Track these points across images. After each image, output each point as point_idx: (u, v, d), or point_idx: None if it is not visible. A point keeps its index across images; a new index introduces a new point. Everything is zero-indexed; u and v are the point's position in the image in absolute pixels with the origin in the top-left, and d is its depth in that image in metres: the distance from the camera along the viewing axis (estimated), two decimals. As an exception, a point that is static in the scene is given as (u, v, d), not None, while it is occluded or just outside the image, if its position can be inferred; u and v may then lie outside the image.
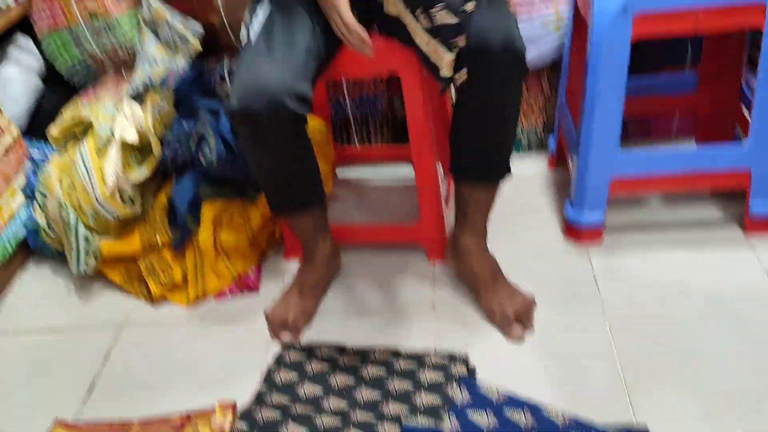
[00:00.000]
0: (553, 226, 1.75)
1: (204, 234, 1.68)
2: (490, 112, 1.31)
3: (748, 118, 1.65)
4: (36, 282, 1.83)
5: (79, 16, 1.92)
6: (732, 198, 1.69)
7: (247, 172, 1.65)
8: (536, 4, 1.82)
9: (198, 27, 1.85)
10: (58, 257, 1.83)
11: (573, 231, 1.68)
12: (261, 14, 1.36)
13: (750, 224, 1.60)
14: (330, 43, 1.38)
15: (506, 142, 1.39)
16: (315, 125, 1.79)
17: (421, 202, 1.61)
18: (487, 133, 1.35)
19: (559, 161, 1.95)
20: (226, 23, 1.89)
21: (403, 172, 2.02)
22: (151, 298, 1.69)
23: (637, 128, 2.00)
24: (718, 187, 1.69)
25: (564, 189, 1.86)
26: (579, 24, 1.69)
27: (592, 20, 1.46)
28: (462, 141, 1.39)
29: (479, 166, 1.41)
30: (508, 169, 1.43)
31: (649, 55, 1.89)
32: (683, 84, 1.84)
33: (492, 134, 1.36)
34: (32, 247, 1.85)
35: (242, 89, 1.24)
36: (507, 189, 1.78)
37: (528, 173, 1.95)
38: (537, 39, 1.84)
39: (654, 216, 1.72)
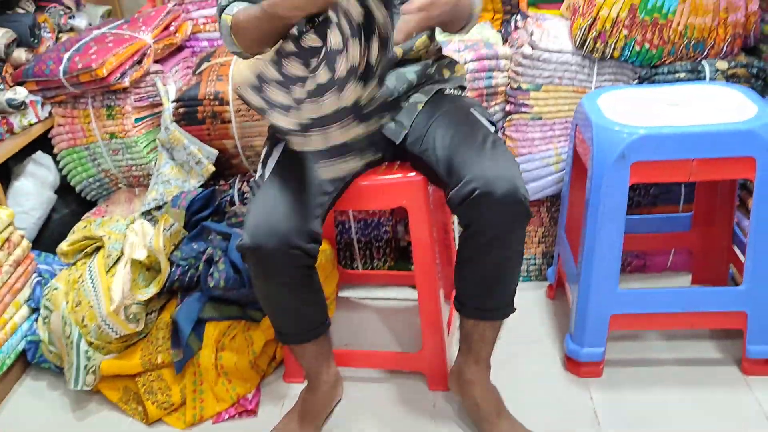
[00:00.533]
0: (552, 357, 1.76)
1: (206, 354, 1.68)
2: (494, 255, 1.36)
3: (742, 259, 1.71)
4: (31, 396, 1.81)
5: (98, 136, 2.00)
6: (730, 336, 1.72)
7: (252, 296, 1.68)
8: (536, 143, 1.91)
9: (212, 151, 1.92)
10: (56, 372, 1.82)
11: (573, 364, 1.69)
12: (276, 153, 1.43)
13: (748, 366, 1.62)
14: (340, 181, 1.44)
15: (510, 283, 1.43)
16: (322, 249, 1.83)
17: (424, 331, 1.63)
18: (490, 274, 1.40)
19: (558, 291, 1.99)
20: (239, 147, 1.97)
21: (405, 293, 2.05)
22: (147, 419, 1.67)
23: (634, 261, 2.05)
24: (716, 326, 1.72)
25: (563, 320, 1.89)
26: (578, 162, 1.77)
27: (591, 166, 1.54)
28: (466, 280, 1.43)
29: (483, 306, 1.44)
30: (512, 308, 1.46)
31: (644, 194, 1.97)
32: (677, 223, 1.91)
33: (496, 276, 1.40)
34: (30, 361, 1.84)
35: (255, 227, 1.28)
36: (507, 319, 1.80)
37: (527, 303, 1.97)
38: (537, 176, 1.92)
39: (653, 352, 1.74)
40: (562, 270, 1.89)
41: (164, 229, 1.73)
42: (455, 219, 1.92)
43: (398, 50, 1.46)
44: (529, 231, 2.05)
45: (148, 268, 1.75)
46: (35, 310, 1.84)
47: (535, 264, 2.08)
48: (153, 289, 1.69)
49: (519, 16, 2.05)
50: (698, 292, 1.62)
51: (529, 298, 2.00)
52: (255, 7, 1.35)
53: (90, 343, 1.69)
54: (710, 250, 1.88)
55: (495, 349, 1.53)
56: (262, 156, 1.47)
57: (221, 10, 1.43)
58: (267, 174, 1.39)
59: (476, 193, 1.28)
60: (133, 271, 1.69)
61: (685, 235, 1.92)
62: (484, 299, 1.44)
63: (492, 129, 1.47)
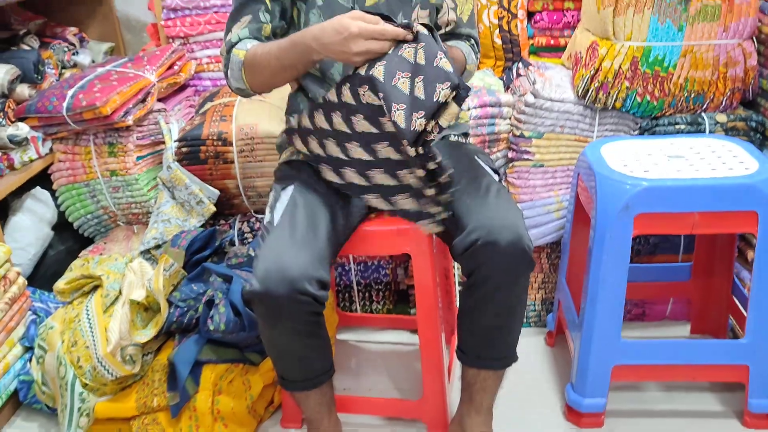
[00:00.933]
0: (553, 406, 1.75)
1: (202, 398, 1.65)
2: (497, 304, 1.36)
3: (743, 311, 1.71)
4: (21, 438, 1.77)
5: (98, 173, 1.99)
6: (731, 389, 1.72)
7: (251, 339, 1.67)
8: (538, 190, 1.92)
9: (214, 191, 1.92)
10: (48, 413, 1.79)
11: (574, 414, 1.68)
12: (284, 197, 1.42)
13: (749, 419, 1.61)
14: (347, 226, 1.44)
15: (513, 332, 1.43)
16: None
17: (425, 379, 1.61)
18: (493, 324, 1.39)
19: (558, 338, 1.98)
20: (241, 187, 1.96)
21: (404, 337, 2.03)
22: (141, 464, 1.64)
23: (633, 309, 2.05)
24: (718, 380, 1.72)
25: (563, 367, 1.88)
26: (580, 210, 1.78)
27: (595, 216, 1.55)
28: (469, 329, 1.43)
29: (485, 355, 1.44)
30: (515, 357, 1.46)
31: (644, 243, 1.98)
32: (677, 273, 1.92)
33: (498, 326, 1.40)
34: (22, 401, 1.80)
35: (265, 272, 1.27)
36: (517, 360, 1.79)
37: (526, 349, 1.96)
38: (538, 223, 1.93)
39: (654, 404, 1.73)
40: (562, 317, 1.89)
41: (164, 270, 1.71)
42: (456, 264, 1.91)
43: None
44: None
45: (146, 308, 1.73)
46: (29, 348, 1.81)
47: (535, 310, 2.07)
48: (151, 331, 1.67)
49: (521, 64, 2.08)
50: (700, 345, 1.62)
51: (529, 344, 1.99)
52: (275, 42, 1.39)
53: (85, 385, 1.66)
54: (709, 301, 1.89)
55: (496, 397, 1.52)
56: (270, 200, 1.47)
57: (231, 46, 1.45)
58: (276, 219, 1.38)
59: (480, 242, 1.28)
60: (131, 312, 1.67)
61: (684, 284, 1.92)
62: (486, 348, 1.43)
63: (495, 177, 1.48)
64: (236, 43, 1.44)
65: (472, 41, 1.61)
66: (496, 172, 1.52)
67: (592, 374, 1.62)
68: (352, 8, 1.42)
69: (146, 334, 1.66)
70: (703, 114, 1.86)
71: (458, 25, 1.57)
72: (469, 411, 1.51)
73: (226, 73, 1.47)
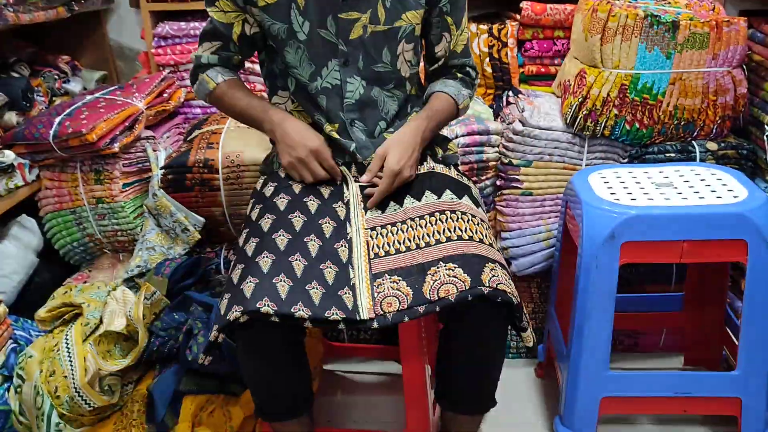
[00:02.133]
0: (541, 440, 1.71)
1: (182, 430, 1.62)
2: (474, 353, 1.32)
3: (735, 341, 1.67)
4: (-3, 470, 1.73)
5: (84, 200, 1.98)
6: (724, 422, 1.67)
7: (231, 369, 1.63)
8: (527, 219, 1.90)
9: (199, 219, 1.90)
10: (25, 444, 1.75)
11: (562, 448, 1.63)
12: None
13: (743, 455, 1.57)
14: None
15: (490, 381, 1.39)
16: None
17: (408, 410, 1.57)
18: (470, 371, 1.36)
19: (547, 369, 1.94)
20: (227, 215, 1.95)
21: (390, 367, 2.00)
22: (117, 498, 1.60)
23: (626, 340, 2.01)
24: (709, 412, 1.67)
25: (553, 399, 1.83)
26: (568, 239, 1.75)
27: (581, 245, 1.52)
28: (445, 374, 1.40)
29: (462, 400, 1.41)
30: (493, 402, 1.42)
31: (635, 272, 1.95)
32: (669, 303, 1.88)
33: (475, 373, 1.36)
34: (-1, 431, 1.77)
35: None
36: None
37: (516, 381, 1.93)
38: (527, 251, 1.90)
39: (644, 437, 1.69)
40: (552, 348, 1.85)
41: (145, 298, 1.68)
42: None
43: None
44: (518, 307, 2.01)
45: (126, 337, 1.70)
46: (8, 378, 1.77)
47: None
48: (127, 361, 1.64)
49: (510, 92, 2.07)
50: (691, 377, 1.58)
51: (519, 376, 1.96)
52: (242, 96, 1.50)
53: (62, 416, 1.62)
54: (702, 331, 1.85)
55: (483, 430, 1.48)
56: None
57: (199, 66, 1.53)
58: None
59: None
60: (109, 342, 1.64)
61: (676, 315, 1.89)
62: (463, 394, 1.40)
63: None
64: (205, 65, 1.52)
65: (467, 69, 1.59)
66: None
67: (580, 406, 1.58)
68: (336, 44, 1.42)
69: (122, 363, 1.63)
70: (693, 142, 1.84)
71: (451, 56, 1.56)
72: None
73: (192, 83, 1.57)
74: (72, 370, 1.62)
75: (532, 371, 1.98)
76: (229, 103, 1.52)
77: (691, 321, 1.87)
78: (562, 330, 1.76)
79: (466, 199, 1.44)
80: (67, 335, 1.69)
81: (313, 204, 1.42)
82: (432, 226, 1.35)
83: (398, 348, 1.99)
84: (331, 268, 1.30)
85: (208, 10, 1.48)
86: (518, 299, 1.26)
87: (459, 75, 1.58)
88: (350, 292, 1.27)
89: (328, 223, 1.38)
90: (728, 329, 1.79)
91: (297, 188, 1.45)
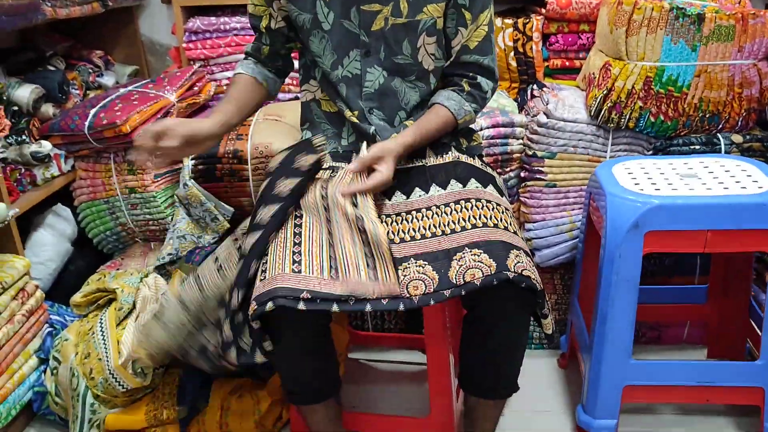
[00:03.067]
0: (563, 428, 1.72)
1: (211, 414, 1.66)
2: (497, 339, 1.34)
3: (759, 333, 1.67)
4: (34, 449, 1.79)
5: (117, 190, 2.03)
6: (747, 413, 1.68)
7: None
8: (550, 210, 1.92)
9: (229, 209, 1.94)
10: (61, 424, 1.81)
11: (585, 436, 1.65)
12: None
13: (766, 445, 1.57)
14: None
15: (513, 367, 1.41)
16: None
17: (432, 397, 1.60)
18: (493, 357, 1.38)
19: (570, 360, 1.96)
20: (254, 204, 1.98)
21: (415, 356, 2.03)
22: (149, 477, 1.65)
23: (649, 332, 2.02)
24: (732, 402, 1.68)
25: (575, 390, 1.85)
26: (592, 230, 1.77)
27: (605, 235, 1.54)
28: (469, 359, 1.42)
29: (485, 385, 1.43)
30: (515, 387, 1.44)
31: (660, 264, 1.96)
32: (693, 295, 1.89)
33: (498, 359, 1.38)
34: (36, 412, 1.83)
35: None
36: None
37: (539, 372, 1.94)
38: (551, 243, 1.92)
39: (667, 427, 1.70)
40: (575, 339, 1.86)
41: (178, 285, 1.73)
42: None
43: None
44: (542, 298, 2.03)
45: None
46: (44, 360, 1.83)
47: (548, 332, 2.05)
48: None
49: (535, 86, 2.09)
50: (714, 366, 1.59)
51: (541, 366, 1.97)
52: (228, 91, 1.60)
53: (96, 396, 1.68)
54: (726, 324, 1.85)
55: (506, 419, 1.51)
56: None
57: (245, 52, 1.65)
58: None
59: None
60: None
61: (700, 307, 1.89)
62: (486, 379, 1.42)
63: (505, 206, 1.48)
64: (245, 53, 1.64)
65: (478, 81, 1.51)
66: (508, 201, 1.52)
67: (603, 394, 1.59)
68: (358, 34, 1.45)
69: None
70: (718, 134, 1.85)
71: (463, 51, 1.50)
72: None
73: None
74: (106, 352, 1.67)
75: (554, 362, 2.00)
76: (226, 90, 1.63)
77: (715, 313, 1.87)
78: (585, 321, 1.78)
79: (490, 188, 1.46)
80: (101, 319, 1.74)
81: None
82: (457, 213, 1.37)
83: (422, 337, 2.03)
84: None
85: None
86: (541, 285, 1.28)
87: (468, 88, 1.51)
88: (381, 273, 1.29)
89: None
90: (752, 321, 1.80)
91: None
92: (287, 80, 2.25)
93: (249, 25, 1.63)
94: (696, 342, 2.01)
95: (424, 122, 1.48)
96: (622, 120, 1.81)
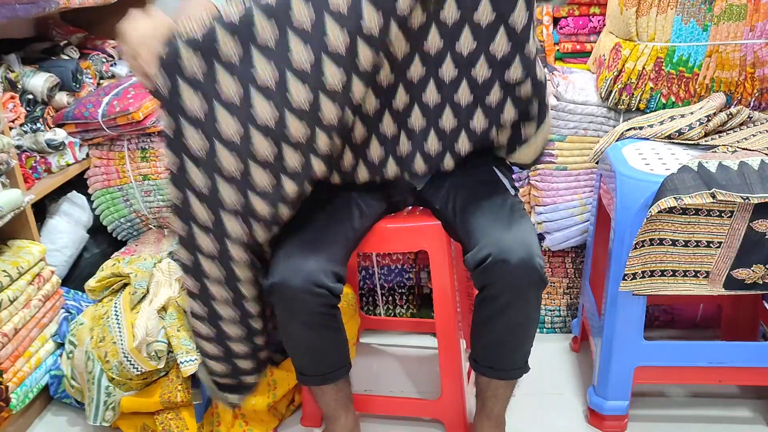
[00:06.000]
0: (575, 410, 1.72)
1: (224, 395, 1.68)
2: (507, 319, 1.34)
3: (772, 315, 1.67)
4: (51, 432, 1.82)
5: (131, 177, 2.05)
6: (761, 395, 1.67)
7: (275, 338, 1.68)
8: (561, 193, 1.91)
9: (241, 194, 1.96)
10: (77, 407, 1.84)
11: (596, 417, 1.65)
12: None
13: (779, 425, 1.57)
14: (366, 224, 1.46)
15: (524, 345, 1.42)
16: (343, 293, 1.84)
17: (443, 379, 1.61)
18: (504, 337, 1.38)
19: (582, 344, 1.96)
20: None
21: (427, 341, 2.03)
22: (164, 458, 1.67)
23: (662, 315, 2.02)
24: (745, 383, 1.67)
25: (587, 372, 1.85)
26: (602, 213, 1.77)
27: (615, 216, 1.53)
28: (480, 339, 1.43)
29: (496, 365, 1.43)
30: (526, 368, 1.44)
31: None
32: (706, 276, 1.88)
33: (509, 339, 1.39)
34: (53, 395, 1.86)
35: (281, 266, 1.30)
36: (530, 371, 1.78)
37: (551, 355, 1.94)
38: (562, 226, 1.92)
39: (680, 409, 1.69)
40: (586, 322, 1.86)
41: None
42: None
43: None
44: (553, 282, 2.03)
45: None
46: (60, 345, 1.86)
47: (560, 316, 2.05)
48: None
49: (546, 69, 2.08)
50: (727, 346, 1.58)
51: (554, 350, 1.97)
52: None
53: (111, 379, 1.70)
54: (739, 306, 1.84)
55: (517, 401, 1.52)
56: None
57: None
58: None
59: (490, 259, 1.27)
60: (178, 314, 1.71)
61: (713, 289, 1.88)
62: (497, 359, 1.43)
63: (512, 192, 1.48)
64: None
65: None
66: (514, 187, 1.52)
67: (614, 376, 1.59)
68: None
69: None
70: (730, 115, 1.83)
71: None
72: (481, 417, 1.51)
73: None
74: (120, 336, 1.69)
75: (566, 346, 2.00)
76: None
77: (728, 295, 1.85)
78: (597, 304, 1.77)
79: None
80: (116, 303, 1.76)
81: None
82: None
83: (433, 321, 2.04)
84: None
85: None
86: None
87: None
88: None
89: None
90: (765, 303, 1.78)
91: None
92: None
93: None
94: (709, 325, 2.00)
95: None
96: (633, 101, 1.80)
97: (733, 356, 1.56)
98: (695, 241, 1.45)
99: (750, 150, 1.50)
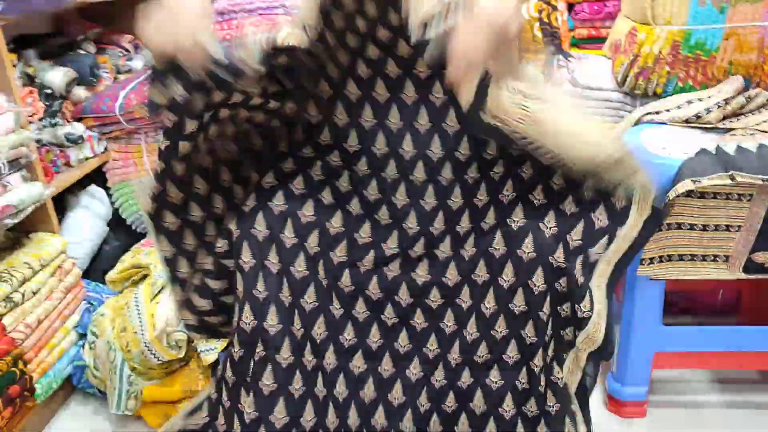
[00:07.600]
0: (594, 396, 1.68)
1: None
2: None
3: (793, 299, 1.65)
4: (75, 421, 1.84)
5: (149, 170, 2.07)
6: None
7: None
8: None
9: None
10: (100, 397, 1.86)
11: (615, 403, 1.65)
12: None
13: (800, 410, 1.56)
14: None
15: None
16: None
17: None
18: None
19: (600, 330, 1.95)
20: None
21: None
22: (185, 446, 1.69)
23: (681, 301, 2.00)
24: (764, 368, 1.66)
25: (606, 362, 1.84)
26: (620, 199, 1.75)
27: (632, 199, 1.52)
28: None
29: None
30: None
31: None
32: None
33: None
34: (76, 385, 1.88)
35: None
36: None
37: (569, 341, 1.94)
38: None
39: (699, 394, 1.69)
40: (604, 308, 1.86)
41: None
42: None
43: None
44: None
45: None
46: (83, 335, 1.89)
47: (578, 303, 2.04)
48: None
49: (561, 56, 2.07)
50: (746, 331, 1.57)
51: (571, 337, 1.96)
52: None
53: (133, 369, 1.72)
54: (759, 292, 1.83)
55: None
56: None
57: None
58: None
59: None
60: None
61: (733, 275, 1.87)
62: None
63: None
64: None
65: None
66: None
67: (633, 362, 1.59)
68: None
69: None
70: (749, 99, 1.81)
71: None
72: None
73: None
74: (141, 326, 1.71)
75: (585, 333, 1.99)
76: None
77: (748, 281, 1.84)
78: (615, 289, 1.76)
79: None
80: (136, 294, 1.79)
81: None
82: None
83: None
84: None
85: None
86: None
87: None
88: None
89: None
90: (786, 288, 1.77)
91: None
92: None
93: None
94: (728, 311, 1.98)
95: None
96: (650, 86, 1.79)
97: (754, 341, 1.55)
98: (714, 225, 1.44)
99: (769, 132, 1.49)
